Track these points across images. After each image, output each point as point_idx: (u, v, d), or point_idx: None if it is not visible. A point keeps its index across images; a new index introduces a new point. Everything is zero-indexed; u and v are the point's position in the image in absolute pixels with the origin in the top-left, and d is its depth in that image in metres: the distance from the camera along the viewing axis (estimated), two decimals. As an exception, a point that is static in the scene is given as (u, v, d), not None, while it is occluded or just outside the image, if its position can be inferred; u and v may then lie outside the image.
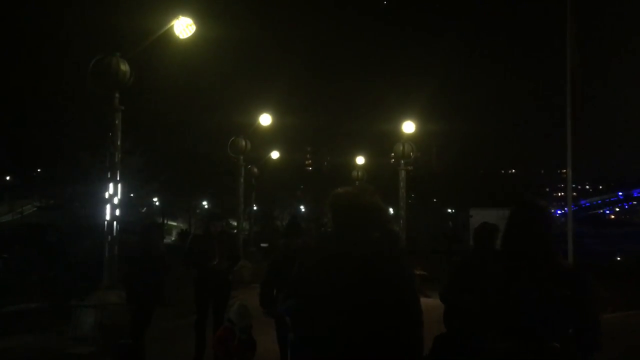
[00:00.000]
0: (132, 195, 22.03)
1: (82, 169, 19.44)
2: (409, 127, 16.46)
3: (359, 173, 24.45)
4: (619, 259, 29.88)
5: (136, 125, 19.61)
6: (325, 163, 61.83)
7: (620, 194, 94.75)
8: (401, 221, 16.80)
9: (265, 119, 17.31)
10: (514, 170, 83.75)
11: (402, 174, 16.39)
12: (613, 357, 8.16)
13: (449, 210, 53.37)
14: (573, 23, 12.61)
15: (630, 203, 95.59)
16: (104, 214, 8.63)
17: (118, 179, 8.68)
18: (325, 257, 2.58)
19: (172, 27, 8.78)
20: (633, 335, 9.81)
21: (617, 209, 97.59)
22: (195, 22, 8.84)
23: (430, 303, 12.88)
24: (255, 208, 28.34)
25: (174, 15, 8.76)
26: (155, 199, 35.67)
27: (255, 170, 21.76)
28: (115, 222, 8.58)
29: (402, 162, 16.36)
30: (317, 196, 50.93)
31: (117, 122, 8.75)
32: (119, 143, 8.80)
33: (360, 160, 24.82)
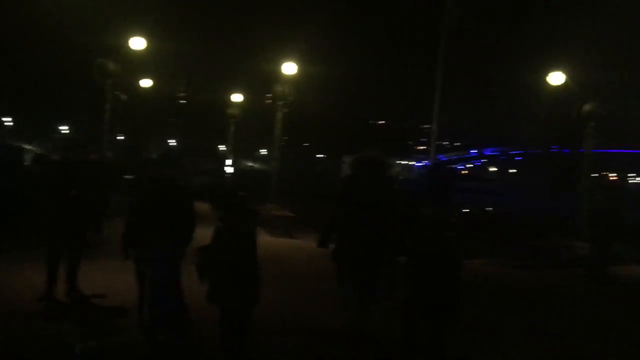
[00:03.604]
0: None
1: None
2: (289, 68, 16.21)
3: (235, 110, 23.90)
4: (467, 210, 32.30)
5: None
6: (200, 97, 59.67)
7: (474, 151, 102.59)
8: (275, 162, 16.80)
9: (137, 43, 16.07)
10: (383, 122, 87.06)
11: (279, 115, 16.25)
12: (481, 299, 8.91)
13: (319, 156, 54.51)
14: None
15: (481, 160, 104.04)
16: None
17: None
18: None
19: None
20: (480, 280, 10.82)
21: (470, 165, 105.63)
22: None
23: (299, 245, 13.18)
24: (121, 137, 26.78)
25: None
26: (7, 119, 32.36)
27: (124, 97, 20.35)
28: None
29: (280, 103, 16.18)
30: (190, 130, 49.39)
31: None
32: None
33: (236, 97, 24.20)
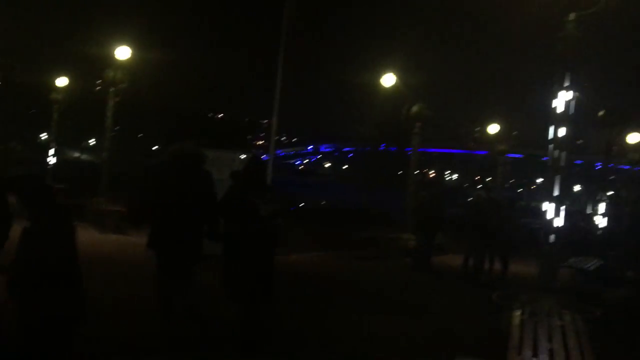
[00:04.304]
0: None
1: None
2: (122, 52, 15.16)
3: (59, 96, 21.82)
4: (302, 204, 33.20)
5: None
6: (18, 79, 53.78)
7: (310, 147, 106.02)
8: (105, 153, 15.65)
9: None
10: (222, 115, 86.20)
11: (111, 103, 15.16)
12: (304, 287, 9.08)
13: (155, 148, 52.32)
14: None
15: (317, 156, 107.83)
16: None
17: None
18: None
19: None
20: (315, 271, 11.12)
21: (306, 161, 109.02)
22: None
23: (131, 241, 12.44)
24: None
25: None
26: None
27: None
28: None
29: (112, 90, 15.10)
30: (4, 116, 44.31)
31: None
32: None
33: (61, 81, 22.06)
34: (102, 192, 15.05)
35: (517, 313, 5.55)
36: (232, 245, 5.33)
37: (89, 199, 15.13)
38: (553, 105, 6.45)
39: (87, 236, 12.56)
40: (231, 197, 5.50)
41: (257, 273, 5.24)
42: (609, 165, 16.11)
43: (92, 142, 53.72)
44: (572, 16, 6.25)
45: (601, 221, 15.61)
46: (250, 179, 5.46)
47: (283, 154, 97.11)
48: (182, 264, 5.41)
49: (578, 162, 51.83)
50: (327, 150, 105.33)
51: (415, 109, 14.90)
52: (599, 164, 18.60)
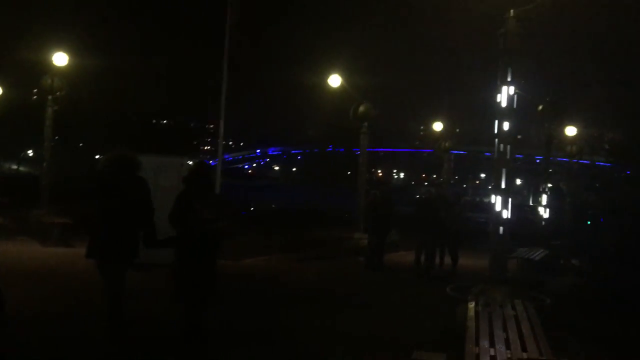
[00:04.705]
0: None
1: None
2: (60, 59, 14.58)
3: (-7, 105, 20.84)
4: (252, 208, 33.01)
5: None
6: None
7: (258, 151, 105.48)
8: (45, 164, 15.01)
9: None
10: (165, 121, 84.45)
11: (49, 111, 14.58)
12: (257, 290, 8.96)
13: (98, 157, 50.72)
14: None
15: (265, 160, 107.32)
16: None
17: None
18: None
19: None
20: (268, 274, 11.02)
21: (255, 164, 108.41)
22: None
23: (76, 253, 11.99)
24: None
25: None
26: None
27: None
28: None
29: (50, 98, 14.52)
30: None
31: None
32: None
33: (-5, 90, 21.09)
34: (43, 204, 14.43)
35: (472, 305, 5.64)
36: (183, 249, 5.38)
37: (29, 211, 14.49)
38: (497, 100, 6.61)
39: (29, 249, 12.04)
40: (181, 202, 5.48)
41: (204, 275, 5.38)
42: (550, 159, 16.66)
43: (30, 153, 51.65)
44: (512, 12, 6.42)
45: (544, 212, 16.15)
46: (195, 183, 5.51)
47: (231, 158, 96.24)
48: (117, 267, 5.46)
49: (519, 156, 53.70)
50: (276, 153, 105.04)
51: (362, 108, 15.03)
52: (539, 157, 19.24)
